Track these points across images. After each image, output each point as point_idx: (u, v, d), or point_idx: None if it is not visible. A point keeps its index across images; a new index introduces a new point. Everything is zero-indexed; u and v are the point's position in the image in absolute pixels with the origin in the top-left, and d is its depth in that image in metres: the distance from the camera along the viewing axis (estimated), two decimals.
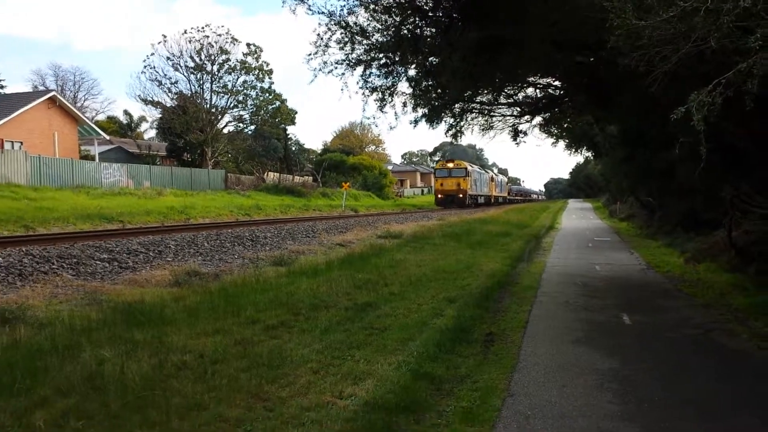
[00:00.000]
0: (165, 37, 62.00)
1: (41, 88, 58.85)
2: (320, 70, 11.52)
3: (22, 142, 33.61)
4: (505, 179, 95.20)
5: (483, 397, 5.37)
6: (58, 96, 39.36)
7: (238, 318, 7.61)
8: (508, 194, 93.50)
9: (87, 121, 41.42)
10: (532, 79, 15.29)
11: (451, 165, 57.50)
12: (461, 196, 54.75)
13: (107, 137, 45.47)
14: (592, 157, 44.84)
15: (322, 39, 11.34)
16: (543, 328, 8.24)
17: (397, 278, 11.28)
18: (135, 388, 4.88)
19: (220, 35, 49.91)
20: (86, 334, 6.50)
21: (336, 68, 11.62)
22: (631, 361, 6.64)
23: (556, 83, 15.61)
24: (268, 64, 53.81)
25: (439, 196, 56.20)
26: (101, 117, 67.58)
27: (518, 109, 17.84)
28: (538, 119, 17.81)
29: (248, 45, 54.03)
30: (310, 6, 10.89)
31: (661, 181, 20.87)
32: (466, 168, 56.77)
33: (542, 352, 6.98)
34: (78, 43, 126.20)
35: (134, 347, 6.05)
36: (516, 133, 18.23)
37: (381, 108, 12.52)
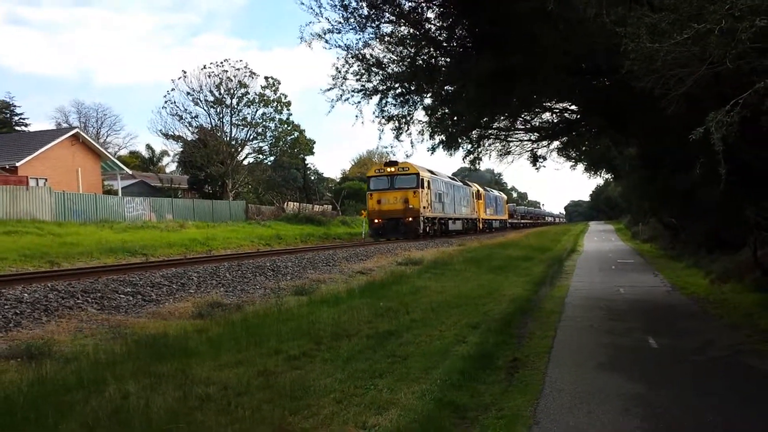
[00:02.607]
0: (185, 72, 63.10)
1: (64, 125, 60.20)
2: (337, 100, 11.68)
3: (46, 179, 34.28)
4: (504, 197, 71.55)
5: (508, 425, 5.31)
6: (81, 132, 40.21)
7: (260, 349, 7.63)
8: (510, 217, 74.69)
9: (110, 156, 42.20)
10: (548, 104, 15.34)
11: (392, 169, 34.77)
12: (410, 220, 33.73)
13: (130, 172, 46.24)
14: (611, 179, 44.62)
15: (339, 72, 11.55)
16: (568, 353, 8.14)
17: (419, 305, 11.25)
18: (159, 422, 4.90)
19: (238, 69, 50.89)
20: (111, 368, 6.56)
21: (352, 96, 11.78)
22: (658, 386, 6.54)
23: (573, 107, 15.63)
24: (285, 96, 54.71)
25: (375, 221, 34.50)
26: (124, 152, 68.84)
27: (535, 134, 17.87)
28: (555, 143, 17.80)
29: (266, 78, 54.89)
30: (327, 41, 11.09)
31: (682, 201, 20.65)
32: (417, 174, 34.35)
33: (567, 377, 6.90)
34: (99, 80, 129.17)
35: (158, 380, 6.08)
36: (535, 158, 18.23)
37: (397, 136, 12.63)
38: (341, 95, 11.73)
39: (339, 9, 10.70)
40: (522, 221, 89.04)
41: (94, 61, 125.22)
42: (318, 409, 5.44)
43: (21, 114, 56.40)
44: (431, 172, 37.93)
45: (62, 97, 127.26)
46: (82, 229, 26.25)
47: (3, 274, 14.61)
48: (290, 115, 56.39)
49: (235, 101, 51.25)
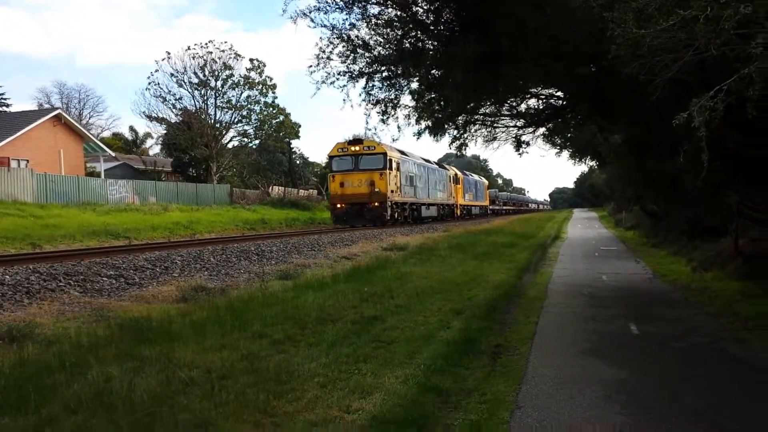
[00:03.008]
0: (169, 53, 62.40)
1: (46, 106, 59.30)
2: (323, 82, 11.60)
3: (28, 160, 33.83)
4: (485, 182, 67.86)
5: (491, 409, 5.35)
6: (63, 114, 39.64)
7: (244, 333, 7.61)
8: (491, 203, 71.41)
9: (92, 138, 41.67)
10: (535, 90, 15.36)
11: (356, 147, 31.05)
12: (376, 205, 30.29)
13: (113, 154, 45.70)
14: (596, 167, 44.83)
15: (324, 52, 11.45)
16: (550, 340, 8.21)
17: (404, 291, 11.27)
18: (143, 405, 4.88)
19: (223, 51, 50.39)
20: (93, 351, 6.52)
21: (338, 79, 11.71)
22: (639, 372, 6.61)
23: (559, 94, 15.66)
24: (271, 79, 54.25)
25: (338, 205, 31.05)
26: (107, 134, 68.06)
27: (521, 120, 17.89)
28: (541, 130, 17.86)
29: (251, 60, 54.28)
30: (312, 19, 10.98)
31: (666, 189, 20.83)
32: (384, 154, 30.78)
33: (550, 363, 6.95)
34: (82, 60, 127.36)
35: (141, 364, 6.06)
36: (519, 144, 18.26)
37: (384, 120, 12.59)
38: (326, 77, 11.66)
39: None
40: (504, 208, 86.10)
41: (77, 41, 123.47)
42: (302, 393, 5.44)
43: (2, 94, 55.46)
44: (402, 152, 34.40)
45: (45, 77, 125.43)
46: (64, 211, 25.98)
47: None
48: (275, 98, 56.09)
49: (219, 83, 50.82)
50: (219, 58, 50.05)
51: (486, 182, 70.01)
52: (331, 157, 32.06)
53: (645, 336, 8.43)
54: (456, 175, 49.22)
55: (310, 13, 10.99)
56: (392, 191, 31.28)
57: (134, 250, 15.06)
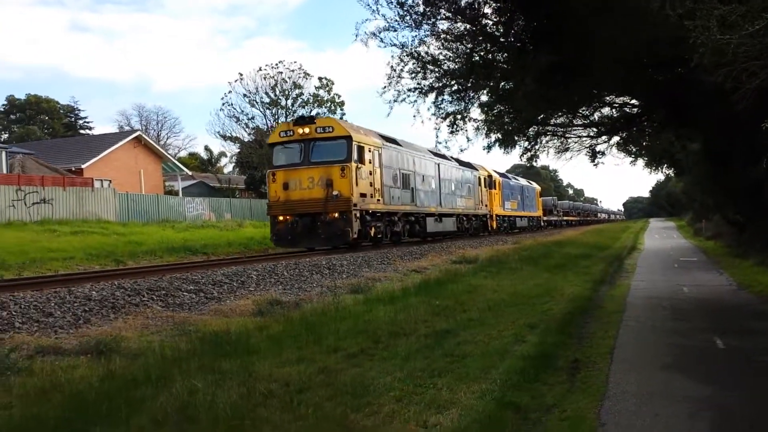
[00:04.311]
0: (241, 75, 64.43)
1: (126, 128, 62.30)
2: (394, 100, 11.76)
3: (110, 180, 35.56)
4: (535, 188, 54.87)
5: (572, 427, 5.22)
6: (143, 135, 41.59)
7: (319, 346, 7.72)
8: (548, 213, 60.42)
9: (170, 158, 43.47)
10: (608, 99, 15.03)
11: (305, 129, 20.64)
12: (335, 216, 19.95)
13: (189, 173, 47.53)
14: (673, 175, 43.23)
15: (394, 70, 11.62)
16: (631, 354, 7.95)
17: (475, 304, 11.17)
18: (226, 418, 5.02)
19: (293, 71, 51.74)
20: (177, 364, 6.74)
21: (409, 96, 11.82)
22: (726, 388, 6.32)
23: (633, 102, 15.27)
24: (339, 96, 55.28)
25: (279, 218, 20.75)
26: (183, 153, 70.83)
27: (594, 129, 17.54)
28: (615, 138, 17.45)
29: (320, 79, 55.41)
30: (382, 39, 11.15)
31: (749, 197, 19.87)
32: (347, 139, 20.51)
33: (631, 379, 6.73)
34: (158, 83, 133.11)
35: (223, 377, 6.23)
36: (593, 154, 17.90)
37: (453, 132, 12.60)
38: (398, 96, 11.80)
39: (395, 6, 10.75)
40: (565, 219, 72.81)
41: (153, 65, 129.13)
42: (379, 407, 5.47)
43: (85, 118, 58.91)
44: (387, 139, 24.03)
45: (123, 100, 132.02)
46: (144, 228, 27.13)
47: (72, 272, 15.23)
48: (344, 114, 56.93)
49: (290, 102, 52.13)
50: (289, 78, 51.52)
51: (537, 188, 56.24)
52: (271, 146, 21.98)
53: (731, 350, 8.05)
54: (489, 177, 38.23)
55: (379, 33, 11.20)
56: (363, 195, 20.63)
57: (212, 265, 15.55)
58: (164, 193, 40.39)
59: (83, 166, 35.92)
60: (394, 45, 11.61)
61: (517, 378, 6.44)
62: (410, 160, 26.00)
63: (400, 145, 25.45)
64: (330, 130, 20.54)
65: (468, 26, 11.20)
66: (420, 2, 10.83)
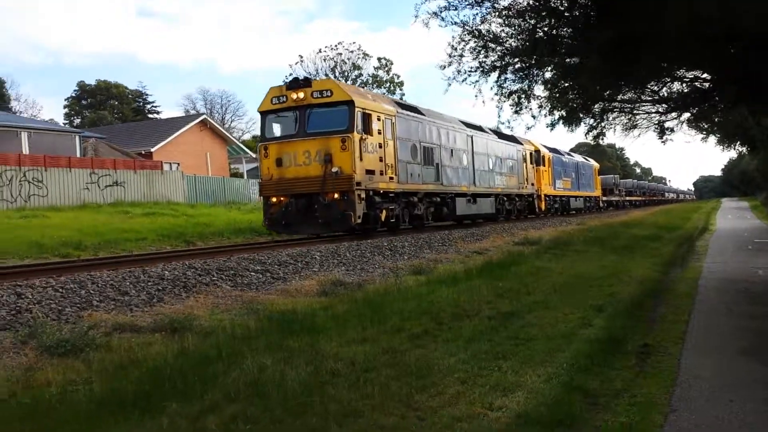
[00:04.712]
0: (301, 57, 65.18)
1: (192, 112, 63.93)
2: (454, 78, 11.61)
3: (179, 163, 36.68)
4: (593, 165, 49.70)
5: (643, 412, 5.11)
6: (209, 119, 42.64)
7: (383, 326, 7.79)
8: (608, 193, 56.17)
9: (235, 141, 44.47)
10: (678, 73, 14.43)
11: (300, 94, 17.52)
12: (335, 197, 17.06)
13: (254, 155, 48.41)
14: (747, 152, 41.29)
15: (455, 49, 11.48)
16: (704, 339, 7.69)
17: (539, 286, 11.03)
18: (295, 394, 5.14)
19: (352, 52, 51.94)
20: (246, 342, 6.95)
21: (470, 75, 11.65)
22: None
23: (705, 76, 14.62)
24: (398, 77, 55.17)
25: (273, 200, 17.98)
26: (247, 136, 72.20)
27: (664, 105, 16.91)
28: (686, 115, 16.76)
29: (379, 59, 55.38)
30: (443, 18, 11.02)
31: None
32: (349, 104, 17.34)
33: (704, 364, 6.52)
34: (222, 67, 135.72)
35: (290, 355, 6.37)
36: (662, 131, 17.28)
37: (517, 112, 12.38)
38: (458, 74, 11.64)
39: None
40: (628, 199, 67.36)
41: (217, 49, 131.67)
42: (443, 389, 5.49)
43: (153, 102, 60.79)
44: (402, 105, 21.56)
45: (188, 84, 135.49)
46: (212, 210, 27.90)
47: (145, 252, 15.83)
48: (403, 95, 56.78)
49: (349, 83, 52.18)
50: (348, 59, 51.70)
51: (595, 165, 50.97)
52: (263, 114, 18.81)
53: None
54: (537, 152, 34.42)
55: (440, 12, 11.05)
56: (371, 172, 17.84)
57: (277, 246, 15.86)
58: (229, 176, 41.36)
59: (152, 150, 37.16)
60: (455, 24, 11.46)
61: (585, 362, 6.34)
62: (434, 132, 22.43)
63: (422, 114, 22.02)
64: (328, 94, 17.46)
65: (530, 1, 10.94)
66: None
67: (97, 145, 36.38)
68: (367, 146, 17.74)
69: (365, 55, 52.71)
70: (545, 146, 36.88)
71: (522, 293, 10.30)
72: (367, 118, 17.78)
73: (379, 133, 18.37)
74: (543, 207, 34.44)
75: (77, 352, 6.61)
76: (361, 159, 17.31)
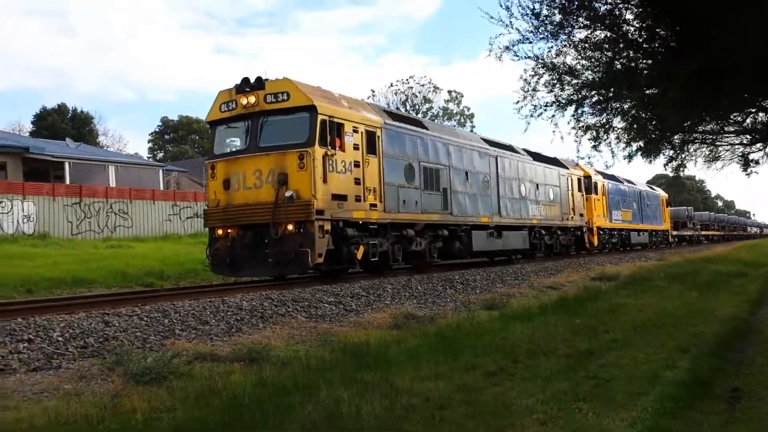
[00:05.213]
0: (373, 91, 66.14)
1: None
2: (531, 115, 11.57)
3: None
4: (660, 195, 44.04)
5: None
6: None
7: (456, 362, 7.72)
8: (680, 226, 51.47)
9: None
10: (765, 103, 13.89)
11: (251, 98, 13.83)
12: (289, 229, 13.12)
13: None
14: None
15: (528, 84, 11.45)
16: None
17: (618, 324, 10.67)
18: (370, 429, 5.16)
19: (422, 85, 52.39)
20: (321, 373, 7.03)
21: (546, 110, 11.59)
22: None
23: None
24: (469, 109, 55.30)
25: (218, 232, 14.12)
26: None
27: (748, 136, 16.27)
28: None
29: (449, 92, 55.73)
30: (515, 52, 11.04)
31: None
32: (311, 110, 13.56)
33: None
34: None
35: (365, 388, 6.40)
36: (746, 163, 16.60)
37: (596, 147, 12.20)
38: (534, 110, 11.61)
39: (530, 18, 10.60)
40: (704, 233, 61.72)
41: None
42: (522, 430, 5.37)
43: None
44: (392, 115, 17.63)
45: None
46: None
47: (224, 283, 16.29)
48: (473, 127, 56.75)
49: (420, 116, 52.69)
50: (419, 92, 52.14)
51: (663, 195, 45.09)
52: (212, 125, 15.38)
53: None
54: (587, 178, 29.94)
55: (512, 46, 11.06)
56: (340, 197, 14.12)
57: (349, 278, 16.02)
58: None
59: None
60: (529, 57, 11.45)
61: (670, 405, 6.06)
62: (441, 150, 18.43)
63: (423, 128, 18.23)
64: (284, 97, 13.70)
65: (608, 33, 10.82)
66: (556, 12, 10.61)
67: (179, 178, 38.02)
68: (336, 164, 13.96)
69: (436, 88, 53.29)
70: (599, 171, 31.75)
71: (600, 331, 10.00)
72: (336, 128, 14.07)
73: (356, 148, 14.70)
74: (595, 241, 29.95)
75: (161, 380, 6.86)
76: (325, 180, 13.56)
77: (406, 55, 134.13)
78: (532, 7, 10.22)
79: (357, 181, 14.67)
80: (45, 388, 6.62)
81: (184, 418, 5.62)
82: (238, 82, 14.13)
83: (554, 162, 27.14)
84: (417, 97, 52.50)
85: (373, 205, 15.14)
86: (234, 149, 14.80)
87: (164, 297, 11.64)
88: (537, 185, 24.61)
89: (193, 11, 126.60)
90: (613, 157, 13.25)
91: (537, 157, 25.55)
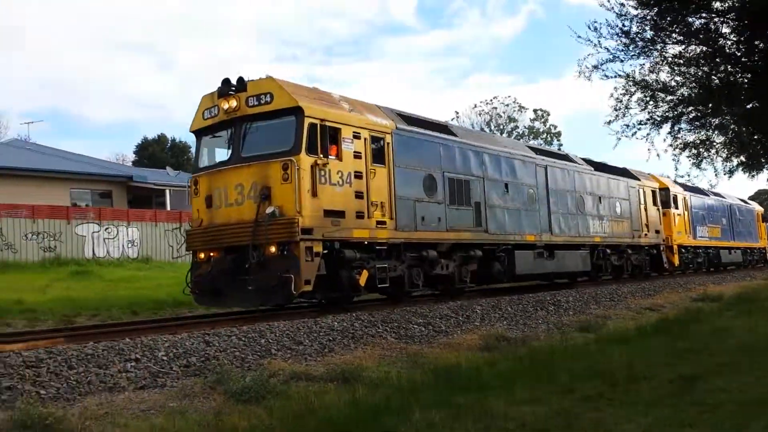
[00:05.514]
0: (457, 113, 66.23)
1: None
2: (623, 133, 11.31)
3: None
4: (755, 209, 40.35)
5: None
6: None
7: (552, 386, 7.55)
8: None
9: None
10: None
11: (233, 103, 12.28)
12: (272, 251, 11.46)
13: None
14: None
15: (620, 102, 11.21)
16: None
17: (724, 347, 10.11)
18: None
19: (507, 105, 51.95)
20: (414, 395, 7.05)
21: (639, 129, 11.28)
22: None
23: None
24: (555, 127, 54.17)
25: (201, 255, 12.58)
26: None
27: None
28: None
29: (535, 111, 54.94)
30: (605, 72, 10.83)
31: None
32: (297, 111, 11.83)
33: None
34: None
35: (458, 411, 6.38)
36: None
37: (698, 164, 11.73)
38: (626, 128, 11.33)
39: (619, 36, 10.39)
40: None
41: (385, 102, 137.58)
42: None
43: None
44: (405, 118, 14.94)
45: None
46: None
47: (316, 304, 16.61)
48: (561, 145, 55.59)
49: (504, 135, 52.20)
50: (504, 112, 51.74)
51: (758, 209, 40.92)
52: (197, 135, 13.70)
53: None
54: (663, 190, 27.11)
55: (601, 65, 10.87)
56: (334, 214, 12.29)
57: (435, 299, 16.00)
58: None
59: None
60: (619, 76, 11.19)
61: None
62: (472, 159, 16.24)
63: (450, 133, 16.07)
64: (267, 99, 12.09)
65: (703, 48, 10.43)
66: (647, 28, 10.34)
67: None
68: (330, 175, 12.15)
69: (521, 107, 52.67)
70: (680, 183, 28.47)
71: (704, 354, 9.51)
72: (329, 133, 12.30)
73: (358, 156, 12.83)
74: (676, 261, 26.81)
75: (259, 398, 7.09)
76: (315, 194, 11.76)
77: (491, 75, 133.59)
78: (621, 25, 10.01)
79: (359, 195, 12.73)
80: (152, 405, 6.97)
81: None
82: (221, 85, 12.48)
83: (621, 172, 24.57)
84: (501, 117, 52.11)
85: (380, 223, 13.16)
86: (211, 164, 13.22)
87: (260, 318, 12.01)
88: (599, 198, 21.92)
89: (284, 44, 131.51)
90: (716, 175, 12.65)
91: (600, 167, 23.12)
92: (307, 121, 11.80)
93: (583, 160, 22.63)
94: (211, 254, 12.43)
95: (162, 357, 8.52)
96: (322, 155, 11.98)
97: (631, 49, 10.23)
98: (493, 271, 16.41)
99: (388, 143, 13.64)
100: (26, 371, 7.32)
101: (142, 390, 7.58)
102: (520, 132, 52.48)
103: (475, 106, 57.17)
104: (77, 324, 13.18)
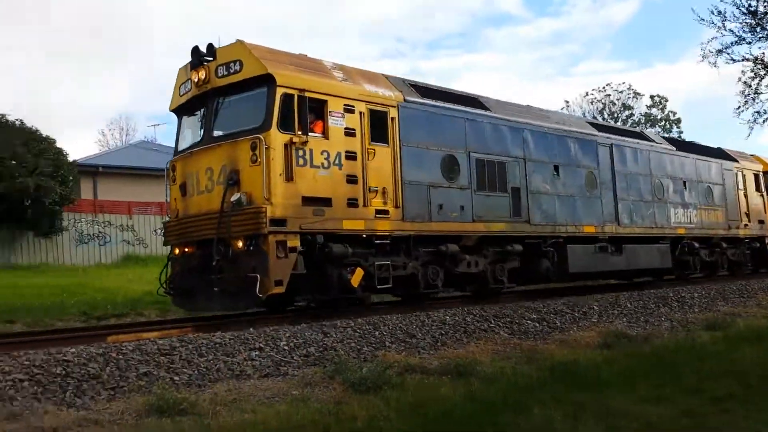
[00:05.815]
0: (567, 102, 64.09)
1: None
2: (755, 121, 10.51)
3: None
4: None
5: None
6: None
7: (678, 386, 7.21)
8: None
9: None
10: None
11: (200, 75, 10.55)
12: (239, 246, 9.77)
13: None
14: None
15: (749, 86, 10.40)
16: None
17: None
18: None
19: (621, 92, 49.67)
20: (530, 392, 6.95)
21: None
22: None
23: None
24: (674, 114, 51.17)
25: (176, 251, 10.94)
26: None
27: None
28: None
29: (651, 97, 52.10)
30: (730, 55, 10.11)
31: None
32: (267, 79, 9.93)
33: None
34: None
35: (578, 409, 6.21)
36: None
37: None
38: (758, 115, 10.52)
39: (746, 17, 9.66)
40: None
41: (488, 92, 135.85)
42: None
43: None
44: (419, 89, 12.49)
45: None
46: None
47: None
48: (681, 132, 52.47)
49: (620, 124, 50.01)
50: (618, 100, 49.55)
51: None
52: (177, 114, 12.03)
53: None
54: (765, 174, 22.49)
55: (726, 49, 10.14)
56: (316, 201, 10.34)
57: (551, 294, 15.62)
58: None
59: None
60: (746, 59, 10.41)
61: None
62: (508, 136, 13.65)
63: (480, 106, 13.52)
64: (236, 68, 10.37)
65: None
66: None
67: None
68: (311, 155, 10.27)
69: (636, 94, 50.13)
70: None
71: None
72: (311, 105, 10.36)
73: (350, 133, 10.85)
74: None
75: (376, 389, 7.24)
76: (289, 178, 9.97)
77: (603, 61, 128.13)
78: (747, 5, 9.31)
79: (351, 179, 10.78)
80: (276, 393, 7.29)
81: (400, 428, 5.87)
82: (192, 53, 10.83)
83: (716, 153, 20.60)
84: (615, 104, 49.90)
85: (382, 212, 11.15)
86: (186, 146, 11.56)
87: (373, 311, 12.24)
88: (684, 183, 18.40)
89: (388, 39, 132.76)
90: None
91: (685, 146, 19.78)
92: (279, 91, 9.97)
93: (664, 137, 19.74)
94: (186, 249, 10.91)
95: (283, 347, 8.87)
96: (300, 132, 10.07)
97: (758, 30, 9.50)
98: (541, 268, 13.93)
99: (393, 118, 11.51)
100: (161, 358, 7.86)
101: (266, 378, 7.94)
102: (636, 120, 50.06)
103: (587, 94, 55.10)
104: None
